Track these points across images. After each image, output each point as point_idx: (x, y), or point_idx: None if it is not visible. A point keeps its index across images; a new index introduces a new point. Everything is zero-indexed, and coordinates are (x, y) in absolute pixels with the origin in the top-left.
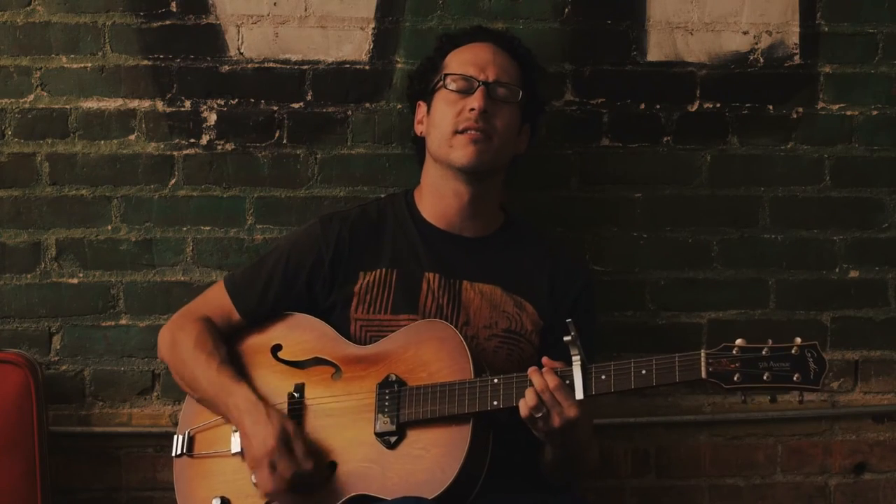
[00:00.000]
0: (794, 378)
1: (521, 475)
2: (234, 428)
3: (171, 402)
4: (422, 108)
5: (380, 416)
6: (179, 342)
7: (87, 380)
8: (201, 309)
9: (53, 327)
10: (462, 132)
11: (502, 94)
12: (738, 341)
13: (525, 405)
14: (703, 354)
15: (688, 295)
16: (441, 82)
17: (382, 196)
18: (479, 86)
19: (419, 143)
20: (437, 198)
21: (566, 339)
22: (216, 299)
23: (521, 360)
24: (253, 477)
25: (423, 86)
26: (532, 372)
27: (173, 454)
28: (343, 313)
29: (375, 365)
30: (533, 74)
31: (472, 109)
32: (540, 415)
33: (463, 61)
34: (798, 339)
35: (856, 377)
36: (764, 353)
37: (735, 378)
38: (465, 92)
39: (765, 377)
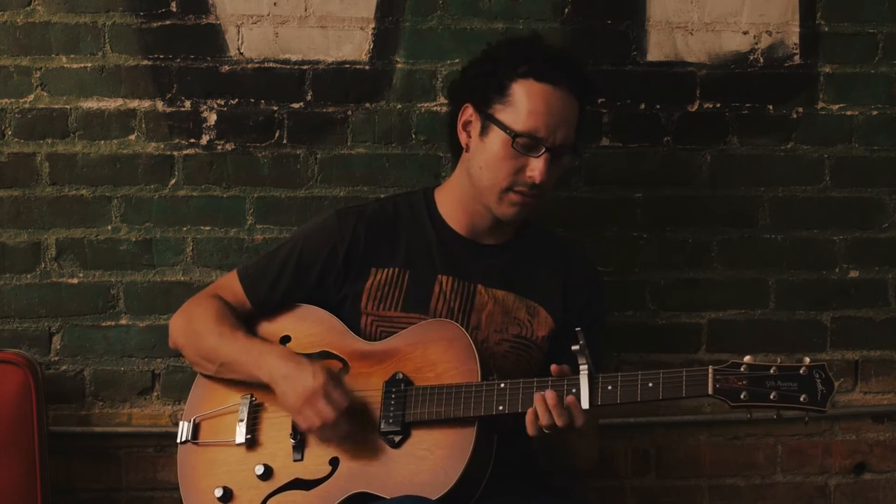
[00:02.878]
0: (801, 399)
1: (525, 478)
2: (239, 418)
3: (171, 402)
4: (470, 113)
5: (385, 414)
6: (198, 316)
7: (87, 380)
8: (215, 292)
9: (53, 327)
10: (515, 191)
11: (562, 160)
12: (747, 358)
13: (530, 428)
14: (710, 371)
15: (688, 295)
16: (508, 131)
17: (399, 192)
18: (544, 152)
19: (457, 146)
20: (464, 211)
21: (574, 348)
22: (229, 286)
23: (529, 366)
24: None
25: (481, 98)
26: (536, 399)
27: (178, 440)
28: (353, 307)
29: (383, 362)
30: (586, 121)
31: (531, 177)
32: (544, 435)
33: (534, 111)
34: (807, 360)
35: (856, 377)
36: (772, 371)
37: (742, 396)
38: (529, 149)
39: (771, 396)
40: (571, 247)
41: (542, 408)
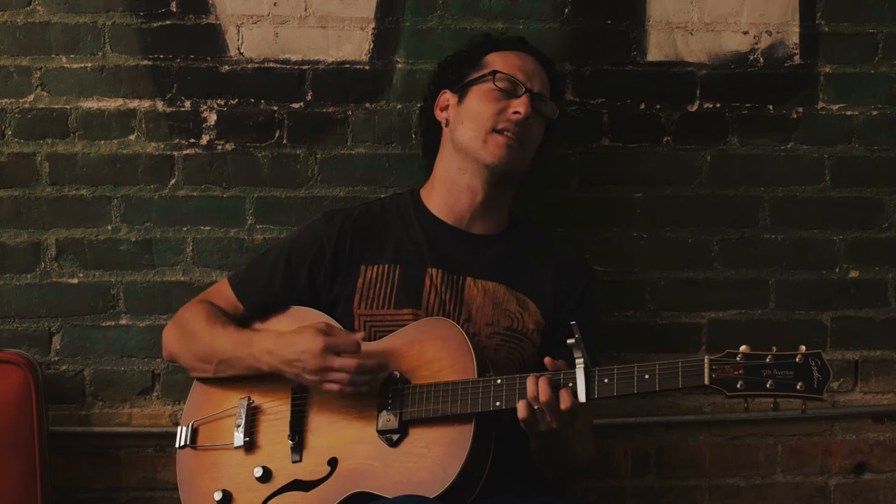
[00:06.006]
0: (798, 387)
1: (524, 476)
2: (237, 421)
3: (171, 402)
4: (447, 96)
5: (383, 413)
6: (189, 320)
7: (87, 380)
8: (205, 298)
9: (53, 327)
10: (500, 132)
11: (542, 108)
12: (743, 348)
13: (520, 411)
14: (706, 361)
15: (688, 295)
16: (486, 78)
17: (386, 195)
18: (525, 92)
19: (433, 133)
20: (449, 191)
21: (570, 341)
22: (221, 292)
23: (521, 359)
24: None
25: (456, 76)
26: (529, 379)
27: (177, 445)
28: (346, 309)
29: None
30: (561, 98)
31: (517, 113)
32: (535, 421)
33: (511, 65)
34: (802, 347)
35: (856, 377)
36: (767, 360)
37: (738, 385)
38: (510, 94)
39: (768, 385)
40: (563, 245)
41: (532, 387)
